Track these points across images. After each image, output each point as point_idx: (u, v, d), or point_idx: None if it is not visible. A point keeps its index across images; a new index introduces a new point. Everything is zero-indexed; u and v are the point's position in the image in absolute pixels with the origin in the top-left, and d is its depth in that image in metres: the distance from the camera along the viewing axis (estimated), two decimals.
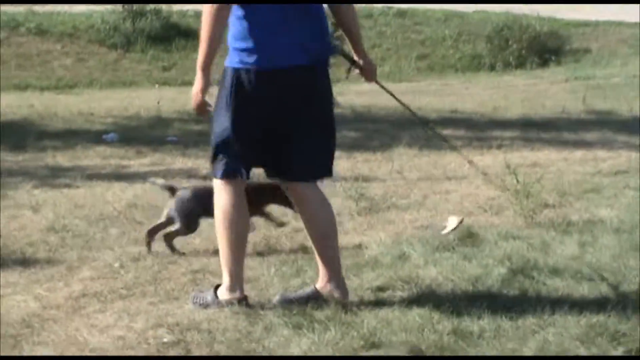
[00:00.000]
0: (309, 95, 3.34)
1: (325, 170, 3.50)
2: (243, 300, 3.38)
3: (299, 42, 3.26)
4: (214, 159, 3.42)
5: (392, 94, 4.01)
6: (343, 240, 4.47)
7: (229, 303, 3.35)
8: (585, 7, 20.42)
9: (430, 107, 11.25)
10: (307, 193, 3.44)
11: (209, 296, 3.44)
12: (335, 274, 3.46)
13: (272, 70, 3.25)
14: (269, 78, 3.26)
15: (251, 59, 3.24)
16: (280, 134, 3.35)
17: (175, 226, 4.31)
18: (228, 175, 3.37)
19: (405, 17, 21.62)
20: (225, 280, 3.42)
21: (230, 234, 3.39)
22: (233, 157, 3.35)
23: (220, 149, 3.37)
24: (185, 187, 4.53)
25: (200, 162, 7.11)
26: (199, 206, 4.20)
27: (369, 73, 3.63)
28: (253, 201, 3.75)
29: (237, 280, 3.41)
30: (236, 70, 3.27)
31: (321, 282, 3.47)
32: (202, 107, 3.36)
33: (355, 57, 3.58)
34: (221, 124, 3.33)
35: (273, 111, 3.30)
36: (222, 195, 3.42)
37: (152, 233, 4.37)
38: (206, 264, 4.09)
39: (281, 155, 3.38)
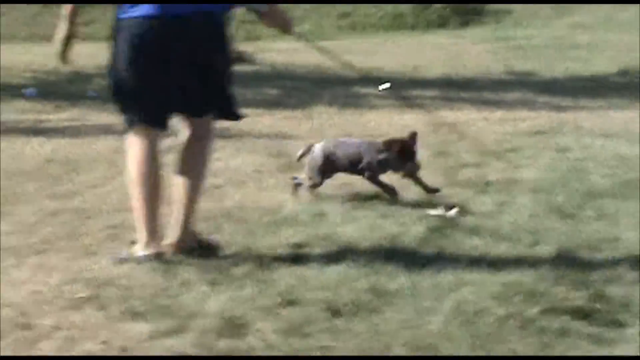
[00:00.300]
0: (209, 40, 3.40)
1: (236, 111, 3.61)
2: (160, 256, 3.37)
3: None
4: (123, 110, 3.43)
5: (324, 51, 4.01)
6: (262, 197, 4.60)
7: (146, 259, 3.35)
8: None
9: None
10: (208, 132, 3.54)
11: (125, 252, 3.45)
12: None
13: (170, 17, 3.29)
14: (167, 25, 3.30)
15: (148, 8, 3.27)
16: (187, 78, 3.38)
17: None
18: (139, 124, 3.38)
19: None
20: (141, 235, 3.41)
21: (144, 188, 3.37)
22: (141, 107, 3.36)
23: (128, 100, 3.37)
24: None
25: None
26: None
27: (272, 21, 3.60)
28: None
29: (153, 236, 3.40)
30: (133, 20, 3.29)
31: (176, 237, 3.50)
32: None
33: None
34: (124, 75, 3.33)
35: (177, 57, 3.33)
36: (133, 147, 3.40)
37: None
38: (124, 219, 4.02)
39: (192, 96, 3.43)
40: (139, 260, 3.36)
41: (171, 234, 3.50)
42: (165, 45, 3.29)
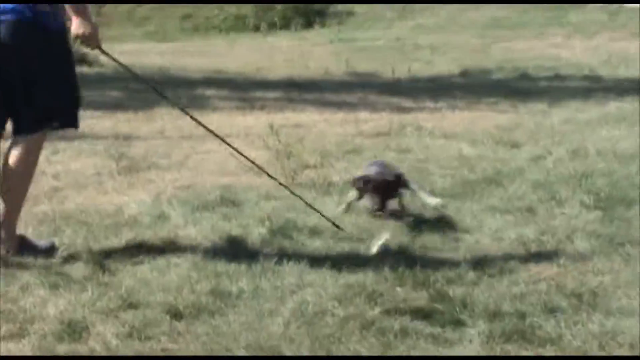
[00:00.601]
0: (24, 48, 3.33)
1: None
2: None
3: None
4: None
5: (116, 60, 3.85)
6: (103, 200, 4.56)
7: None
8: None
9: (194, 67, 11.14)
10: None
11: None
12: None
13: None
14: None
15: None
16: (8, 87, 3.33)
17: None
18: None
19: None
20: None
21: None
22: None
23: None
24: None
25: None
26: None
27: (78, 35, 3.43)
28: None
29: None
30: None
31: None
32: None
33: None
34: None
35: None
36: None
37: None
38: None
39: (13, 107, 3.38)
40: None
41: None
42: None
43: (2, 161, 3.48)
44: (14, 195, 3.49)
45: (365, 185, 4.17)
